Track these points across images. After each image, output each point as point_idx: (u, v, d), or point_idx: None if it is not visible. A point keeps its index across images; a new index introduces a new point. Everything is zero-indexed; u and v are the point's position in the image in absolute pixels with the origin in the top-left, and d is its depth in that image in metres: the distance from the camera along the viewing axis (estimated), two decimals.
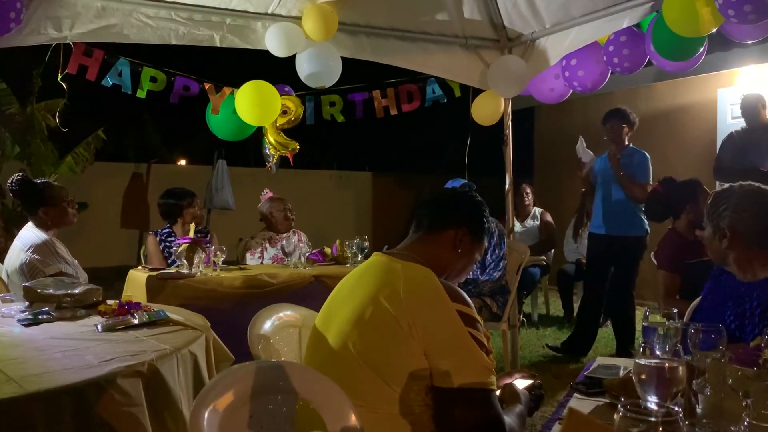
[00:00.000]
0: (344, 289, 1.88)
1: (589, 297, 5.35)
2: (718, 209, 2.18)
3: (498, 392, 1.75)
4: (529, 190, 6.90)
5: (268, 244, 4.96)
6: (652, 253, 4.06)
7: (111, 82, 4.05)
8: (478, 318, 1.67)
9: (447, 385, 1.59)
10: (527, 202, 6.86)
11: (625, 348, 4.95)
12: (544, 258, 6.49)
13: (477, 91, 4.91)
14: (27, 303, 2.70)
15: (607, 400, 1.71)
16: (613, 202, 5.09)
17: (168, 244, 4.61)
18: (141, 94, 4.13)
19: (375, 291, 1.70)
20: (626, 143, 5.10)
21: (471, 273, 4.40)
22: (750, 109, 5.13)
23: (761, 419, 1.07)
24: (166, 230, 4.74)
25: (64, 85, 3.91)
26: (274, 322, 2.19)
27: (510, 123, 4.98)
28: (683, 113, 7.56)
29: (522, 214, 6.78)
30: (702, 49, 3.81)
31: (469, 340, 1.61)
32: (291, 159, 4.76)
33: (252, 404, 1.41)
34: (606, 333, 5.76)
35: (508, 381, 1.93)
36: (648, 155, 5.04)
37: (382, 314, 1.64)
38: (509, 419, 1.65)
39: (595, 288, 5.30)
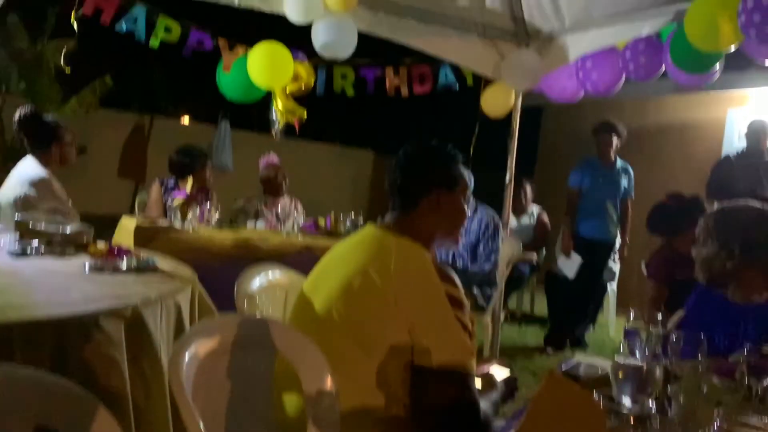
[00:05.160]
0: (335, 257, 1.88)
1: (575, 296, 5.61)
2: (726, 228, 2.12)
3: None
4: (528, 188, 6.89)
5: (263, 207, 4.96)
6: (643, 261, 4.07)
7: (125, 28, 3.98)
8: (465, 302, 1.68)
9: (426, 364, 1.60)
10: (524, 201, 6.85)
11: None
12: (535, 256, 6.51)
13: (489, 84, 4.87)
14: (17, 235, 2.70)
15: None
16: (599, 208, 5.45)
17: (171, 196, 4.61)
18: (154, 43, 4.04)
19: (366, 263, 1.70)
20: (613, 158, 5.40)
21: (460, 262, 4.43)
22: (753, 135, 5.24)
23: (731, 426, 1.08)
24: (172, 182, 4.72)
25: (75, 25, 3.85)
26: (262, 281, 2.20)
27: (518, 117, 4.96)
28: (692, 129, 7.53)
29: (519, 210, 6.77)
30: (718, 65, 3.80)
31: (454, 322, 1.62)
32: (297, 127, 4.71)
33: (232, 355, 1.42)
34: (590, 336, 5.82)
35: (484, 367, 1.95)
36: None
37: (370, 286, 1.65)
38: (484, 404, 1.66)
39: (582, 289, 5.55)
